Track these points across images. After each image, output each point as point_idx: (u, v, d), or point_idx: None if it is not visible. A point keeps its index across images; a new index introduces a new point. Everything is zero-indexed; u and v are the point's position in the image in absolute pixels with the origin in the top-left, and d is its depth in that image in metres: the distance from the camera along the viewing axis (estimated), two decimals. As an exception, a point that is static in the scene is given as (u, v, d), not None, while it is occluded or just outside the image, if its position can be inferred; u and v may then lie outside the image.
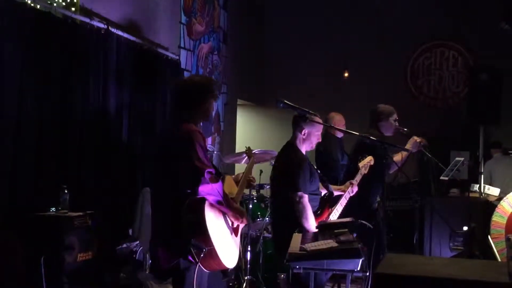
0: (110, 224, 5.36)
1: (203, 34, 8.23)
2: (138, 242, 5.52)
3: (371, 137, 4.56)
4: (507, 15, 7.37)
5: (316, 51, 9.38)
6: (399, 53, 9.21)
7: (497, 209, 6.34)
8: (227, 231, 3.68)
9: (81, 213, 4.55)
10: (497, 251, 6.16)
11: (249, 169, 4.31)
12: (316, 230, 4.27)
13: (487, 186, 7.23)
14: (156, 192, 3.80)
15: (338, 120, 6.58)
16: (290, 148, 4.59)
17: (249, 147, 5.13)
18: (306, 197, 4.28)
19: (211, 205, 3.52)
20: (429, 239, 6.34)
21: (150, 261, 5.48)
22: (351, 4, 9.31)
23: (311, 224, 4.30)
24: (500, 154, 7.97)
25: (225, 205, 3.62)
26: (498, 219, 6.27)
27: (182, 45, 7.52)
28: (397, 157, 5.41)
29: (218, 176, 3.59)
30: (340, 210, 4.72)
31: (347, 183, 4.86)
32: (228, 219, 3.73)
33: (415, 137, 5.40)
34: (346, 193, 4.77)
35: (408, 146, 5.33)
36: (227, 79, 9.10)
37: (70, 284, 4.34)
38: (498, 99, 7.03)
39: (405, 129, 5.58)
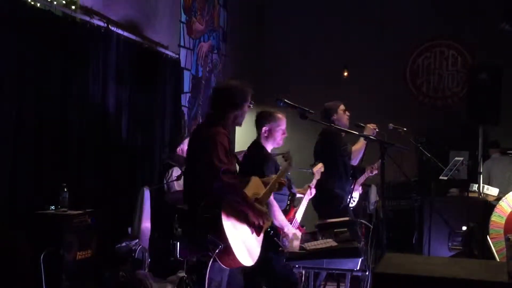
0: (109, 222, 5.36)
1: (203, 33, 8.23)
2: (137, 240, 5.52)
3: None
4: (508, 15, 7.37)
5: (315, 50, 9.37)
6: (398, 52, 9.20)
7: (496, 209, 6.35)
8: (246, 230, 3.67)
9: (80, 212, 4.56)
10: (496, 251, 6.17)
11: (282, 172, 4.27)
12: (288, 226, 4.33)
13: (486, 186, 7.23)
14: (184, 187, 3.95)
15: None
16: (254, 146, 4.66)
17: (288, 151, 4.97)
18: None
19: (229, 203, 3.56)
20: (428, 238, 6.34)
21: (149, 260, 5.50)
22: (351, 4, 9.30)
23: (280, 220, 4.33)
24: (499, 154, 7.96)
25: (244, 204, 3.64)
26: (497, 219, 6.28)
27: (182, 43, 7.52)
28: (355, 147, 5.54)
29: (236, 175, 3.68)
30: (303, 211, 4.83)
31: (306, 186, 5.00)
32: (249, 219, 3.72)
33: (370, 125, 5.53)
34: (306, 195, 4.92)
35: (366, 132, 5.43)
36: (227, 78, 9.09)
37: (69, 282, 4.34)
38: (497, 99, 7.03)
39: (405, 129, 5.61)
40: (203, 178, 3.61)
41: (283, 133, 4.63)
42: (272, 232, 4.13)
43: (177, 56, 7.22)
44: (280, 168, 4.33)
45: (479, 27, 8.52)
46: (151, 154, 6.49)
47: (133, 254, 5.39)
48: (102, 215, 4.99)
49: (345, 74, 9.17)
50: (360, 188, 6.37)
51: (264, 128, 4.55)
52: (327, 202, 5.44)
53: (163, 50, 6.82)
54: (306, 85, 8.91)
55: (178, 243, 4.83)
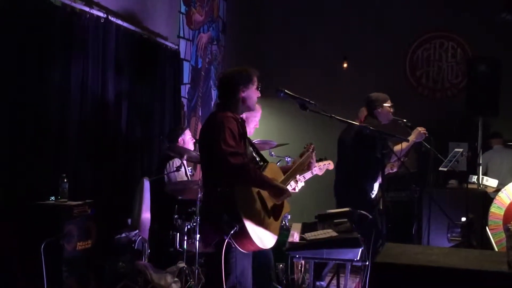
0: (109, 213, 5.37)
1: (202, 24, 8.21)
2: (137, 231, 5.54)
3: (370, 127, 4.55)
4: (509, 5, 7.36)
5: (315, 41, 9.34)
6: (398, 44, 9.18)
7: (495, 201, 6.37)
8: (263, 213, 3.64)
9: (80, 202, 4.56)
10: (495, 242, 6.19)
11: (304, 161, 4.25)
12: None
13: (485, 178, 7.24)
14: (202, 172, 3.93)
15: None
16: None
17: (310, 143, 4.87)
18: None
19: (245, 185, 3.56)
20: (428, 230, 6.35)
21: (149, 250, 5.51)
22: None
23: None
24: (501, 145, 7.95)
25: (260, 182, 3.62)
26: (496, 210, 6.30)
27: (181, 34, 7.51)
28: (397, 147, 5.43)
29: (245, 157, 3.62)
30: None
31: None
32: (265, 201, 3.69)
33: (420, 128, 5.43)
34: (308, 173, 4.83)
35: (412, 137, 5.36)
36: (226, 69, 9.09)
37: (69, 272, 4.35)
38: (496, 90, 7.03)
39: (404, 120, 5.59)
40: (213, 164, 3.63)
41: (256, 125, 4.76)
42: None
43: (176, 47, 7.21)
44: (303, 157, 4.31)
45: (479, 19, 8.50)
46: (150, 145, 6.50)
47: (132, 245, 5.41)
48: (102, 205, 5.01)
49: (345, 65, 9.16)
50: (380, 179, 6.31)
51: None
52: (353, 195, 5.35)
53: (162, 41, 6.81)
54: (305, 76, 8.90)
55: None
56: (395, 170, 5.85)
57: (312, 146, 4.46)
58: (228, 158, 3.46)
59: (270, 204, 3.71)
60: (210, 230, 3.69)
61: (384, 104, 5.56)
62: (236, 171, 3.49)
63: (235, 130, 3.61)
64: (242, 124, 3.81)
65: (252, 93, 3.86)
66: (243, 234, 3.42)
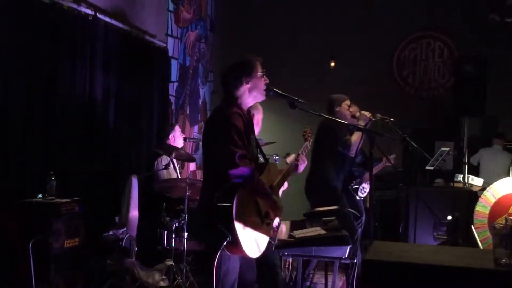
0: (96, 211, 5.35)
1: (190, 22, 8.20)
2: (124, 229, 5.52)
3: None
4: (497, 6, 7.42)
5: (303, 41, 9.37)
6: (385, 44, 9.22)
7: (480, 199, 6.41)
8: (257, 221, 3.54)
9: (68, 200, 4.53)
10: (480, 241, 6.24)
11: (299, 154, 4.25)
12: None
13: (471, 177, 7.31)
14: (204, 168, 3.79)
15: None
16: None
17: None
18: None
19: (244, 192, 3.43)
20: (414, 228, 6.40)
21: (136, 248, 5.50)
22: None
23: None
24: (501, 146, 8.05)
25: (260, 192, 3.55)
26: (481, 209, 6.35)
27: (169, 32, 7.49)
28: (353, 137, 5.59)
29: (250, 160, 3.49)
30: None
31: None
32: (261, 208, 3.59)
33: (363, 112, 5.57)
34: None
35: (360, 124, 5.44)
36: (214, 67, 9.10)
37: (56, 270, 4.33)
38: (483, 90, 7.08)
39: (392, 119, 5.64)
40: (218, 165, 3.47)
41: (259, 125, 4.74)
42: None
43: (164, 45, 7.20)
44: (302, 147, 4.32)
45: (466, 19, 8.57)
46: (138, 142, 6.49)
47: (120, 243, 5.39)
48: (89, 203, 4.99)
49: (332, 65, 9.20)
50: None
51: None
52: (321, 192, 5.53)
53: (150, 38, 6.80)
54: (293, 75, 8.92)
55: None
56: (389, 164, 5.97)
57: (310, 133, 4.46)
58: (236, 160, 3.33)
59: (264, 209, 3.62)
60: (202, 235, 3.67)
61: (343, 103, 5.79)
62: (243, 176, 3.37)
63: (241, 128, 3.47)
64: (248, 118, 3.67)
65: (258, 81, 3.66)
66: (235, 244, 3.36)
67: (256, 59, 3.74)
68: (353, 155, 5.68)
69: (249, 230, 3.43)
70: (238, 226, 3.34)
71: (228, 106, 3.60)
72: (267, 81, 3.72)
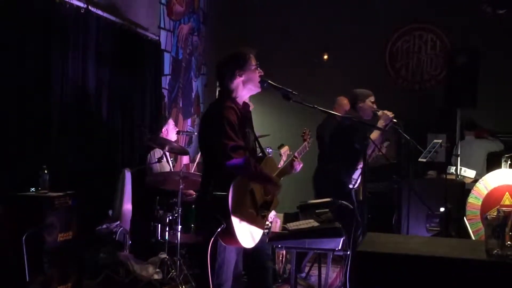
0: (90, 204, 5.34)
1: (183, 15, 8.18)
2: (118, 222, 5.53)
3: (352, 117, 4.62)
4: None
5: (296, 33, 9.35)
6: (378, 36, 9.22)
7: (472, 191, 6.43)
8: (253, 213, 3.57)
9: (61, 193, 4.53)
10: (472, 232, 6.26)
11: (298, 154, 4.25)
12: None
13: (463, 169, 7.32)
14: (202, 162, 3.82)
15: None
16: None
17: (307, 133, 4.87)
18: None
19: (240, 182, 3.45)
20: (407, 220, 6.41)
21: (130, 242, 5.51)
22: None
23: None
24: (472, 136, 8.02)
25: (259, 177, 3.57)
26: (474, 200, 6.36)
27: (162, 25, 7.47)
28: (373, 135, 5.53)
29: (244, 151, 3.50)
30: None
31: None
32: (257, 200, 3.61)
33: (385, 111, 5.52)
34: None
35: (381, 122, 5.41)
36: (207, 60, 9.08)
37: (50, 264, 4.33)
38: (475, 82, 7.09)
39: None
40: (214, 158, 3.52)
41: None
42: None
43: (157, 38, 7.18)
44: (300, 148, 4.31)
45: (458, 11, 8.57)
46: (131, 136, 6.48)
47: (114, 236, 5.40)
48: (82, 197, 4.98)
49: (325, 57, 9.20)
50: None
51: None
52: (331, 187, 5.46)
53: (143, 31, 6.78)
54: (287, 67, 8.90)
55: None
56: (380, 153, 5.94)
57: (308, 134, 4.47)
58: (229, 152, 3.37)
59: (260, 201, 3.65)
60: (201, 222, 3.68)
61: (367, 100, 5.62)
62: (237, 166, 3.40)
63: (234, 121, 3.49)
64: (245, 111, 3.68)
65: (251, 74, 3.67)
66: (229, 234, 3.37)
67: (250, 52, 3.76)
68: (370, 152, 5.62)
69: (244, 220, 3.45)
70: (234, 215, 3.36)
71: (222, 101, 3.62)
72: (262, 73, 3.72)
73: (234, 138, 3.43)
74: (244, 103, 3.74)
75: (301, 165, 4.01)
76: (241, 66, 3.65)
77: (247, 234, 3.48)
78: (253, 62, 3.70)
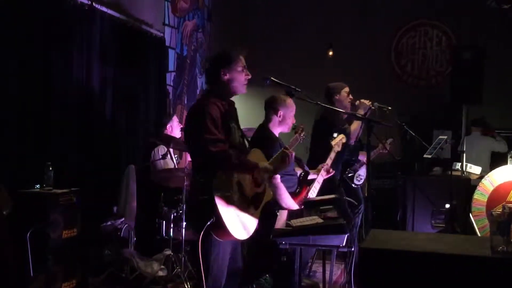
0: (95, 201, 5.35)
1: (187, 12, 8.17)
2: (123, 219, 5.53)
3: (357, 115, 4.64)
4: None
5: (300, 30, 9.34)
6: (383, 32, 9.20)
7: (478, 187, 6.41)
8: (242, 203, 3.56)
9: (65, 190, 4.53)
10: (478, 229, 6.24)
11: (291, 144, 4.26)
12: (297, 207, 4.35)
13: (469, 165, 7.29)
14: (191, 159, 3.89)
15: None
16: (262, 130, 4.73)
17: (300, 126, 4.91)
18: (278, 178, 4.31)
19: (224, 174, 3.47)
20: (412, 216, 6.40)
21: (135, 238, 5.51)
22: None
23: (287, 202, 4.35)
24: (479, 133, 8.01)
25: (244, 167, 3.58)
26: (479, 197, 6.34)
27: (166, 22, 7.47)
28: (354, 126, 5.55)
29: (225, 144, 3.54)
30: (318, 188, 4.87)
31: (319, 166, 5.00)
32: (245, 190, 3.60)
33: (362, 100, 5.53)
34: (319, 176, 4.93)
35: (360, 112, 5.42)
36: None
37: (54, 261, 4.34)
38: (480, 78, 7.06)
39: (389, 108, 5.64)
40: (197, 153, 3.60)
41: (293, 120, 4.75)
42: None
43: (161, 34, 7.17)
44: (290, 140, 4.34)
45: (463, 7, 8.54)
46: (135, 132, 6.48)
47: (118, 233, 5.40)
48: (87, 193, 4.99)
49: (330, 53, 9.18)
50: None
51: (279, 113, 4.68)
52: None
53: (147, 28, 6.78)
54: (291, 64, 8.90)
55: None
56: (385, 151, 5.95)
57: (301, 128, 4.49)
58: (208, 146, 3.42)
59: (250, 193, 3.64)
60: (193, 217, 3.72)
61: (342, 91, 5.67)
62: (216, 159, 3.45)
63: (217, 117, 3.54)
64: (229, 108, 3.71)
65: (237, 75, 3.70)
66: (219, 225, 3.37)
67: (240, 53, 3.78)
68: (352, 143, 5.66)
69: (232, 211, 3.46)
70: (220, 206, 3.37)
71: (206, 97, 3.69)
72: (249, 76, 3.76)
73: (214, 132, 3.48)
74: (229, 100, 3.77)
75: (293, 159, 4.09)
76: (227, 65, 3.69)
77: (239, 226, 3.49)
78: (241, 63, 3.73)
